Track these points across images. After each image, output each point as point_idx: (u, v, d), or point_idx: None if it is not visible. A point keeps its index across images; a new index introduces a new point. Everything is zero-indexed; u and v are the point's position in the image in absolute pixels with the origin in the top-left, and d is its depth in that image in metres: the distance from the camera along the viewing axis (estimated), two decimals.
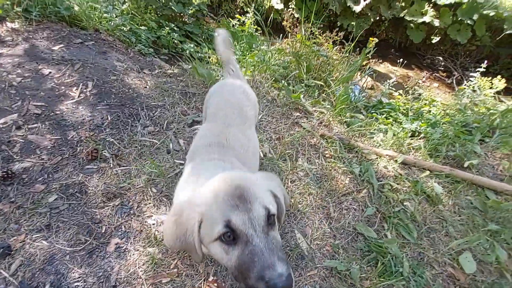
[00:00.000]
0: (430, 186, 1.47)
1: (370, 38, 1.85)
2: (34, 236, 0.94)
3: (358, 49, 2.48)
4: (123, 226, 1.03)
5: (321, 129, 1.64)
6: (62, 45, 1.66)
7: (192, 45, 2.60)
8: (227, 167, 0.74)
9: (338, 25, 4.33)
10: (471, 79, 2.62)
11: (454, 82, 3.74)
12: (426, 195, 1.44)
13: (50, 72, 1.47)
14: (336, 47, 2.28)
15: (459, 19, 3.77)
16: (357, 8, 4.04)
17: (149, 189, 1.14)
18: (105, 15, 2.06)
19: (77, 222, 1.00)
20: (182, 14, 2.75)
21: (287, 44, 2.52)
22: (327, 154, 1.49)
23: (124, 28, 2.16)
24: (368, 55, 2.00)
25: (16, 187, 1.04)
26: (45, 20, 1.79)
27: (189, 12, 2.64)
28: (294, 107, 1.77)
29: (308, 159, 1.45)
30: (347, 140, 1.54)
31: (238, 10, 4.66)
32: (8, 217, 0.97)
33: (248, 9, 4.48)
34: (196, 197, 0.56)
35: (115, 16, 2.09)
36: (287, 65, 2.17)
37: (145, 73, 1.81)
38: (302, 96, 1.81)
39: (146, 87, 1.60)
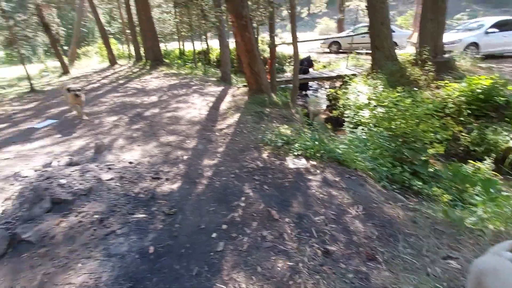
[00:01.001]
0: None
1: None
2: None
3: None
4: None
5: None
6: (340, 178, 2.96)
7: (420, 183, 3.31)
8: None
9: None
10: None
11: None
12: None
13: (336, 194, 2.69)
14: None
15: None
16: None
17: None
18: (359, 159, 3.38)
19: None
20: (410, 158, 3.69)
21: None
22: None
23: (369, 166, 3.34)
24: None
25: (329, 260, 1.99)
26: (328, 161, 3.31)
27: (422, 159, 3.51)
28: None
29: None
30: None
31: (461, 149, 5.03)
32: (328, 276, 1.87)
33: (476, 148, 4.73)
34: None
35: (367, 160, 3.35)
36: None
37: (390, 204, 2.65)
38: None
39: (398, 216, 2.38)
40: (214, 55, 13.55)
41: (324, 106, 9.23)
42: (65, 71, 10.72)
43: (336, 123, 7.07)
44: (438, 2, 6.66)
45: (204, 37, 12.88)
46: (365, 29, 12.62)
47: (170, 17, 13.82)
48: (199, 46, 13.70)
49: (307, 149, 3.41)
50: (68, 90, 4.66)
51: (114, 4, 13.87)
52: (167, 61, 12.34)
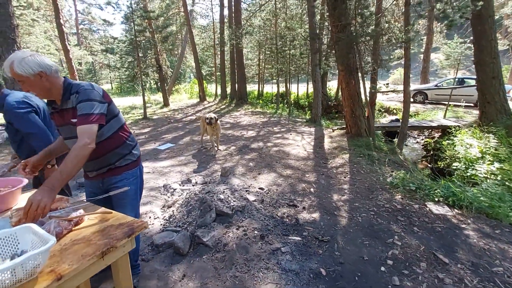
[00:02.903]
0: None
1: None
2: None
3: None
4: None
5: None
6: (499, 231, 2.82)
7: None
8: None
9: None
10: None
11: None
12: None
13: (504, 247, 2.56)
14: None
15: None
16: None
17: None
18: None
19: None
20: None
21: None
22: None
23: None
24: None
25: None
26: (475, 212, 3.19)
27: None
28: None
29: None
30: None
31: None
32: None
33: None
34: None
35: None
36: None
37: None
38: None
39: None
40: (292, 97, 14.62)
41: (405, 155, 8.84)
42: (166, 104, 12.84)
43: (440, 174, 6.74)
44: None
45: (283, 80, 14.13)
46: (453, 81, 12.31)
47: (254, 63, 15.75)
48: (274, 88, 15.02)
49: (448, 196, 3.37)
50: (209, 118, 5.49)
51: (210, 52, 16.57)
52: (249, 100, 13.77)
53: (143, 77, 11.40)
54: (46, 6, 17.50)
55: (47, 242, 1.10)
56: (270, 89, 17.06)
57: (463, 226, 2.94)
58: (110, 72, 26.39)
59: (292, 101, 14.29)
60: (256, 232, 2.87)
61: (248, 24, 12.67)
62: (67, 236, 1.34)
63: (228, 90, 14.85)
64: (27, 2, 13.96)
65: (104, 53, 12.66)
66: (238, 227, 2.95)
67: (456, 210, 3.23)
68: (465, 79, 12.57)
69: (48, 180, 1.34)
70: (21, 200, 1.70)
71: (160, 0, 15.88)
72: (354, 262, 2.44)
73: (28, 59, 1.42)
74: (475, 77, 12.88)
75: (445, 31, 16.73)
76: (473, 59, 7.55)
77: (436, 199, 3.38)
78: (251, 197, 3.58)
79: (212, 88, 18.45)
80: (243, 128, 8.28)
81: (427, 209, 3.28)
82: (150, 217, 3.34)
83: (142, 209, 3.50)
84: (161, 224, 3.14)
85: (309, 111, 12.10)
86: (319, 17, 10.18)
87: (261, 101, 13.77)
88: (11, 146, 2.50)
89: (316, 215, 3.23)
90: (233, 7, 12.98)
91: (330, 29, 7.20)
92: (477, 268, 2.32)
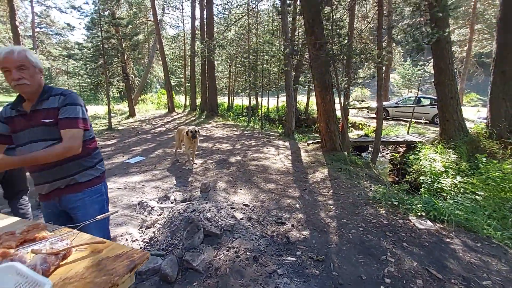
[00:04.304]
0: None
1: None
2: None
3: None
4: None
5: None
6: (480, 244, 3.02)
7: None
8: None
9: None
10: None
11: None
12: None
13: (488, 260, 2.73)
14: None
15: None
16: None
17: None
18: (487, 227, 3.43)
19: None
20: None
21: None
22: None
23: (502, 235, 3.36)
24: None
25: None
26: (455, 225, 3.40)
27: None
28: None
29: None
30: None
31: None
32: None
33: None
34: None
35: (497, 228, 3.40)
36: None
37: None
38: None
39: None
40: (263, 110, 14.79)
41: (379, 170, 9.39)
42: (132, 114, 12.11)
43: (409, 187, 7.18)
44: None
45: (254, 93, 14.27)
46: (412, 100, 13.62)
47: (224, 76, 15.75)
48: (244, 101, 15.10)
49: (429, 211, 3.55)
50: (187, 133, 5.26)
51: (180, 62, 16.23)
52: (220, 112, 13.62)
53: (109, 85, 10.68)
54: (0, 5, 15.78)
55: (40, 285, 0.87)
56: (240, 101, 17.13)
57: (447, 240, 3.09)
58: (68, 79, 24.30)
59: (263, 114, 14.47)
60: (248, 253, 2.71)
61: (222, 37, 12.73)
62: (55, 274, 1.11)
63: (198, 101, 14.55)
64: None
65: (66, 58, 11.66)
66: (228, 249, 2.75)
67: (438, 225, 3.41)
68: (421, 98, 13.91)
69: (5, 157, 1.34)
70: None
71: (127, 8, 15.29)
72: (353, 282, 2.40)
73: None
74: (429, 96, 14.39)
75: (402, 52, 18.69)
76: (428, 80, 8.37)
77: (419, 214, 3.55)
78: (239, 215, 3.42)
79: (181, 99, 17.96)
80: (217, 141, 8.08)
81: (412, 223, 3.41)
82: (127, 240, 3.01)
83: (117, 231, 3.15)
84: (141, 248, 2.82)
85: (280, 125, 12.32)
86: (290, 35, 10.60)
87: (232, 114, 13.71)
88: None
89: (306, 233, 3.17)
90: (205, 20, 12.96)
91: (306, 46, 7.49)
92: (469, 283, 2.42)
